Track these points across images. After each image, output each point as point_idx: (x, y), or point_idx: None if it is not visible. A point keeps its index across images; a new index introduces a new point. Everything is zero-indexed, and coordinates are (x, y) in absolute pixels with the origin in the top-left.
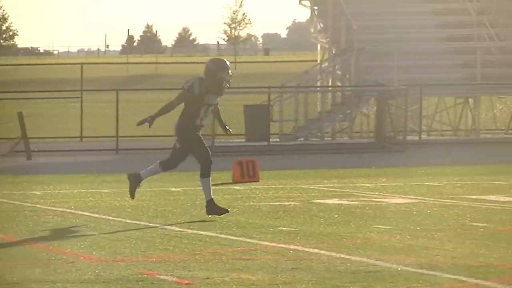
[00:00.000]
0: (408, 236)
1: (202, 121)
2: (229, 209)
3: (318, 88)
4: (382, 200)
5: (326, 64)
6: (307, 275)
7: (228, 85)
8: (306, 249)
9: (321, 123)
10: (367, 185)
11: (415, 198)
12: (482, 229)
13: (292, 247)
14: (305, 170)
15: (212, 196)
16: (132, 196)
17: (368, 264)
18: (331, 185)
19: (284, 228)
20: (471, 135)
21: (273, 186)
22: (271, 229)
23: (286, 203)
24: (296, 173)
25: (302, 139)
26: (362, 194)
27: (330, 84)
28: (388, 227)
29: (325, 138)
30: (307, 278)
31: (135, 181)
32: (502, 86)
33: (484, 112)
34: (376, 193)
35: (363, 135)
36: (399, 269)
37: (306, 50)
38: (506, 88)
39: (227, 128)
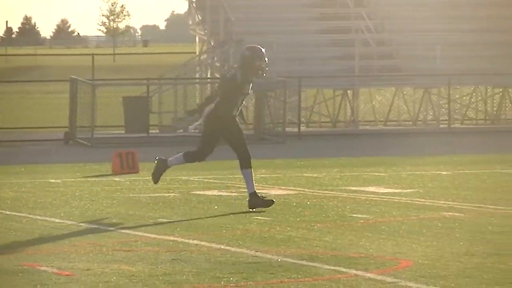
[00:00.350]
0: (288, 228)
1: (237, 111)
2: (274, 200)
3: (197, 80)
4: (262, 191)
5: (205, 56)
6: (187, 266)
7: (264, 74)
8: (186, 240)
9: (200, 115)
10: None
11: (295, 190)
12: (361, 220)
13: (172, 238)
14: None
15: (256, 190)
16: (155, 181)
17: (248, 255)
18: (211, 177)
19: (164, 220)
20: (350, 126)
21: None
22: (151, 221)
23: (166, 194)
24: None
25: (181, 130)
26: (242, 186)
27: (209, 76)
28: (268, 218)
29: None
30: (187, 269)
31: (162, 166)
32: (379, 78)
33: (363, 104)
34: (256, 184)
35: (242, 127)
36: (279, 260)
37: (185, 42)
38: (384, 80)
39: (243, 115)
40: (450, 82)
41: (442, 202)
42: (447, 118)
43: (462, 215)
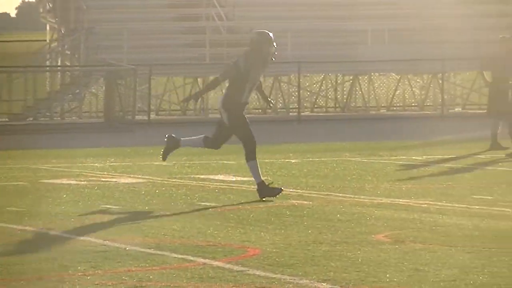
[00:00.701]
0: (136, 216)
1: (247, 98)
2: (282, 188)
3: (47, 68)
4: (111, 180)
5: (55, 44)
6: (35, 254)
7: (273, 59)
8: (34, 229)
9: (50, 102)
10: (96, 165)
11: (144, 178)
12: (210, 209)
13: (20, 227)
14: (34, 150)
15: (263, 179)
16: (164, 158)
17: (96, 244)
18: (59, 165)
19: (12, 208)
20: (200, 115)
21: (2, 166)
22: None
23: (15, 183)
24: (25, 153)
25: (31, 119)
26: (91, 174)
27: (59, 64)
28: (116, 207)
29: (54, 118)
30: (34, 258)
31: (172, 145)
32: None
33: (213, 93)
34: (105, 173)
35: (92, 115)
36: (127, 248)
37: (36, 30)
38: None
39: (270, 99)
40: (300, 70)
41: (291, 190)
42: (297, 106)
43: (311, 203)
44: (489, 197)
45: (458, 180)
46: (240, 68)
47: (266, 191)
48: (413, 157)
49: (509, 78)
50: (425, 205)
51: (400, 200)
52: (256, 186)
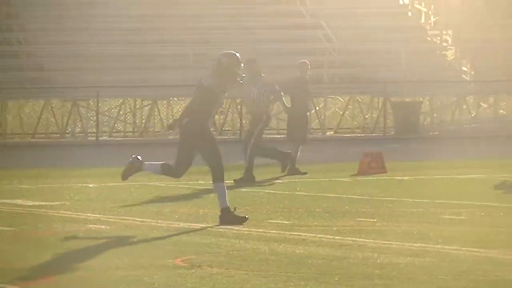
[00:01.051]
0: None
1: (211, 120)
2: (247, 216)
3: None
4: None
5: None
6: None
7: (241, 81)
8: None
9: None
10: None
11: None
12: (8, 233)
13: None
14: None
15: (228, 204)
16: (124, 178)
17: None
18: None
19: None
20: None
21: None
22: None
23: None
24: None
25: None
26: None
27: None
28: None
29: None
30: None
31: (134, 167)
32: (29, 91)
33: (11, 116)
34: None
35: None
36: None
37: None
38: (34, 93)
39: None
40: (99, 95)
41: (88, 214)
42: (95, 131)
43: (108, 227)
44: (286, 222)
45: (256, 204)
46: (214, 91)
47: (230, 218)
48: (209, 181)
49: (307, 103)
50: (222, 230)
51: (198, 225)
52: (219, 212)
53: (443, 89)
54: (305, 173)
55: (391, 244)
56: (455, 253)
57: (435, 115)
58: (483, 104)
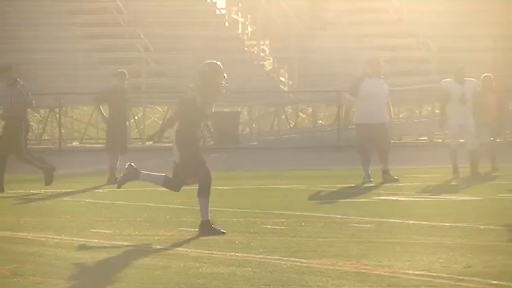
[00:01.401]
0: None
1: (201, 132)
2: (224, 231)
3: None
4: None
5: None
6: None
7: (225, 90)
8: None
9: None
10: None
11: None
12: None
13: None
14: None
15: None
16: (118, 186)
17: None
18: None
19: None
20: None
21: None
22: None
23: None
24: None
25: None
26: None
27: None
28: None
29: None
30: None
31: (130, 175)
32: None
33: None
34: None
35: None
36: None
37: None
38: None
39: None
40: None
41: None
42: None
43: None
44: (108, 231)
45: (76, 213)
46: (197, 103)
47: (209, 230)
48: (31, 191)
49: (126, 112)
50: (44, 239)
51: (20, 234)
52: (199, 224)
53: (261, 99)
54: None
55: (213, 253)
56: (277, 263)
57: (254, 125)
58: (301, 114)
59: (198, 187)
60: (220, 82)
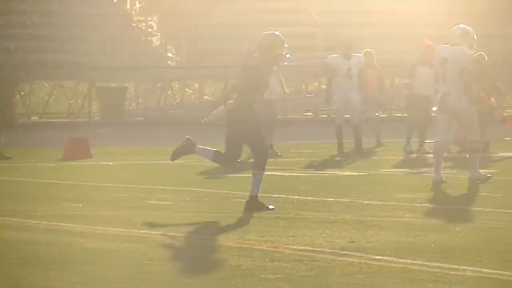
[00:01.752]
0: None
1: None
2: (273, 207)
3: None
4: None
5: None
6: None
7: (285, 62)
8: None
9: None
10: None
11: None
12: None
13: None
14: None
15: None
16: (173, 158)
17: None
18: None
19: None
20: None
21: None
22: None
23: None
24: None
25: None
26: None
27: None
28: None
29: None
30: None
31: (186, 148)
32: None
33: None
34: None
35: None
36: None
37: None
38: None
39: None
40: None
41: None
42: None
43: None
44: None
45: None
46: (261, 72)
47: (257, 206)
48: None
49: (15, 88)
50: None
51: None
52: (247, 199)
53: (148, 75)
54: (10, 158)
55: (97, 229)
56: (160, 238)
57: (140, 100)
58: (188, 90)
59: (254, 160)
60: (280, 53)
